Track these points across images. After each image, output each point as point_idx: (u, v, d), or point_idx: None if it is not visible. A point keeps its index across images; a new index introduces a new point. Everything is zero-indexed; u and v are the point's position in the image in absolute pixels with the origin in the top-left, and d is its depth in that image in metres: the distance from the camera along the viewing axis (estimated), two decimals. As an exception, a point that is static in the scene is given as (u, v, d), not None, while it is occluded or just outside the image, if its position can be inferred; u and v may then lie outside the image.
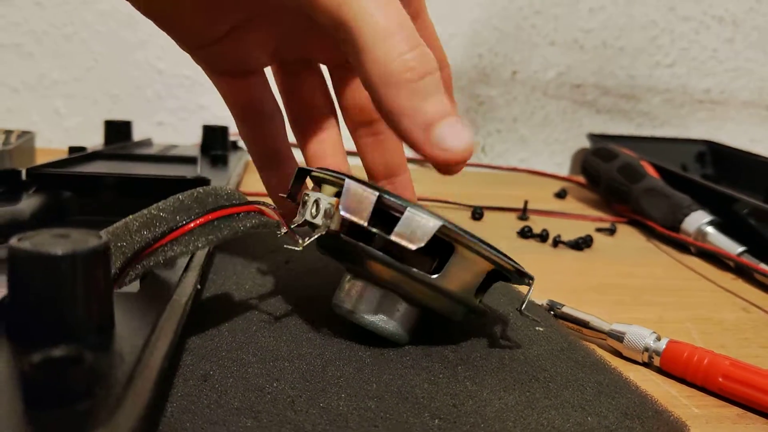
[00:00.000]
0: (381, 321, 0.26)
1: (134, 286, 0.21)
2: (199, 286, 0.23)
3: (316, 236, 0.25)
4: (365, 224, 0.23)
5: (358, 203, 0.23)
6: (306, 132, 0.33)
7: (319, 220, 0.25)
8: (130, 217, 0.22)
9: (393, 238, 0.23)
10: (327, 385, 0.23)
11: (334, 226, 0.24)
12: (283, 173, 0.32)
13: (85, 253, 0.16)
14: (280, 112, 0.33)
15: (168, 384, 0.22)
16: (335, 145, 0.33)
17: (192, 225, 0.22)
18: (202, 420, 0.20)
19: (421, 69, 0.22)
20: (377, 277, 0.25)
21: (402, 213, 0.23)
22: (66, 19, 0.66)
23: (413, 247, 0.23)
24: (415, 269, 0.24)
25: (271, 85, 0.33)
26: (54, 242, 0.16)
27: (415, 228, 0.23)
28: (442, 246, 0.25)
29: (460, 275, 0.25)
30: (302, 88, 0.33)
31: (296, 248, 0.25)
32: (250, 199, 0.25)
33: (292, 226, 0.26)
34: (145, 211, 0.22)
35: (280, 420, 0.21)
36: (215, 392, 0.22)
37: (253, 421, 0.20)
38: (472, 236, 0.24)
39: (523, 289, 0.34)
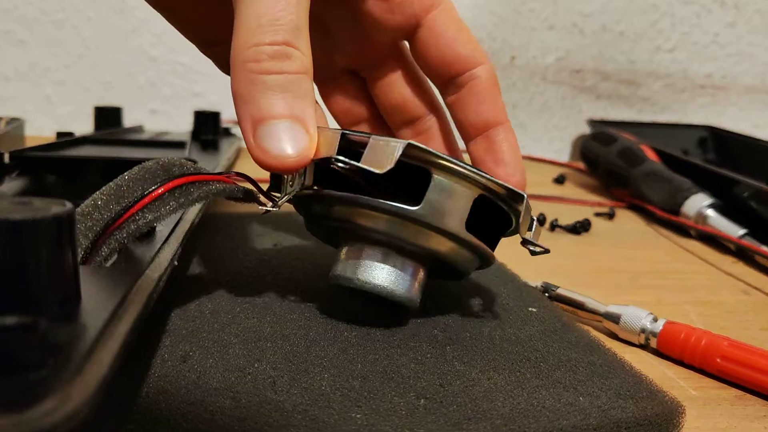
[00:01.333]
0: (386, 281, 0.25)
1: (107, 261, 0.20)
2: (176, 263, 0.22)
3: (292, 193, 0.24)
4: (333, 156, 0.23)
5: (323, 145, 0.23)
6: None
7: (296, 184, 0.24)
8: (97, 192, 0.21)
9: (361, 165, 0.22)
10: (310, 366, 0.22)
11: (308, 180, 0.24)
12: None
13: (46, 220, 0.15)
14: None
15: (145, 365, 0.21)
16: None
17: (161, 190, 0.21)
18: (179, 401, 0.20)
19: (271, 65, 0.21)
20: (366, 229, 0.24)
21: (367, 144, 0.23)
22: (57, 5, 0.65)
23: (381, 171, 0.22)
24: (391, 203, 0.23)
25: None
26: (14, 209, 0.16)
27: (381, 152, 0.22)
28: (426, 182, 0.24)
29: (443, 204, 0.23)
30: (341, 97, 0.31)
31: (273, 208, 0.25)
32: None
33: (279, 203, 0.25)
34: (111, 183, 0.21)
35: (260, 400, 0.20)
36: (194, 373, 0.21)
37: (231, 402, 0.20)
38: (448, 158, 0.23)
39: (517, 265, 0.33)
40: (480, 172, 0.24)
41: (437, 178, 0.23)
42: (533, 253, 0.26)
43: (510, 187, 0.24)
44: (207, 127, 0.53)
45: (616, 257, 0.42)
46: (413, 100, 0.30)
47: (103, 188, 0.21)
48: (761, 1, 0.78)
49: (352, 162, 0.23)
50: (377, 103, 0.31)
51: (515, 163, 0.28)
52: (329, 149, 0.23)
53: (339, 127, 0.24)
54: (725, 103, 0.81)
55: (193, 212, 0.28)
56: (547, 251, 0.26)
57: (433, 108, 0.30)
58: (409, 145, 0.22)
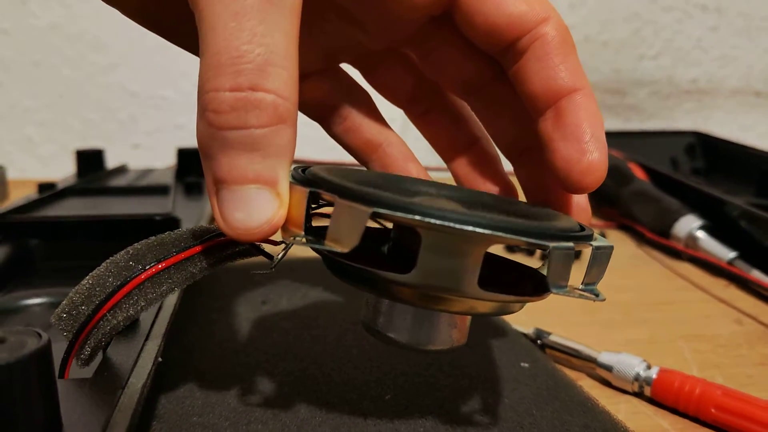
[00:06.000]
0: (419, 339, 0.22)
1: (89, 369, 0.20)
2: (160, 359, 0.22)
3: (283, 254, 0.22)
4: (301, 233, 0.19)
5: (295, 208, 0.19)
6: (432, 124, 0.28)
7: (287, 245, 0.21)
8: (74, 290, 0.20)
9: (327, 245, 0.18)
10: (301, 451, 0.22)
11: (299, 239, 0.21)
12: (384, 155, 0.27)
13: (23, 359, 0.15)
14: (357, 99, 0.27)
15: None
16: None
17: (126, 289, 0.20)
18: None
19: (232, 117, 0.18)
20: (381, 291, 0.21)
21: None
22: (33, 46, 0.64)
23: (344, 249, 0.18)
24: (377, 270, 0.20)
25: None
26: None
27: (345, 221, 0.18)
28: None
29: (441, 264, 0.19)
30: (388, 79, 0.27)
31: (266, 271, 0.22)
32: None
33: (272, 266, 0.22)
34: (84, 281, 0.20)
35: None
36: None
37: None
38: (434, 212, 0.18)
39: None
40: (483, 225, 0.18)
41: (428, 237, 0.19)
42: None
43: (526, 239, 0.18)
44: (191, 167, 0.52)
45: (608, 288, 0.41)
46: (473, 70, 0.25)
47: (78, 285, 0.21)
48: (743, 3, 0.78)
49: (316, 246, 0.19)
50: (433, 77, 0.27)
51: (593, 138, 0.21)
52: (300, 214, 0.19)
53: (315, 176, 0.20)
54: (712, 107, 0.81)
55: (174, 297, 0.28)
56: (601, 299, 0.21)
57: (502, 73, 0.25)
58: (375, 213, 0.18)
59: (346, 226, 0.18)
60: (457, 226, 0.18)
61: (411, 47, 0.26)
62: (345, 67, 0.28)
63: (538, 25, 0.22)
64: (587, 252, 0.20)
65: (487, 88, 0.25)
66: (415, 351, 0.22)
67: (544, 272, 0.20)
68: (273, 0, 0.18)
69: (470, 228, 0.18)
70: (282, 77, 0.18)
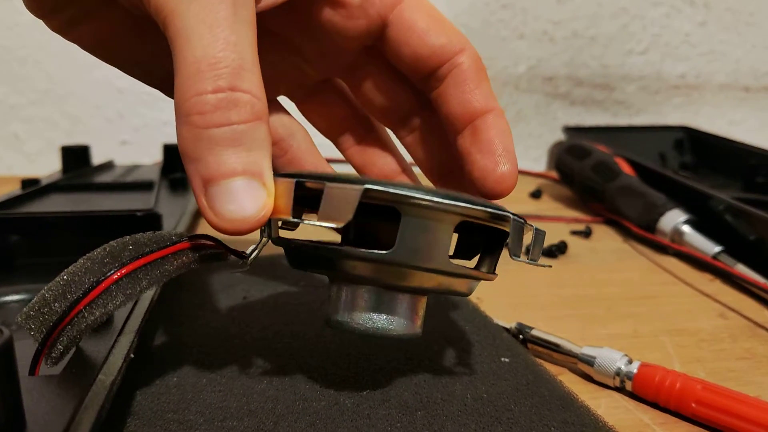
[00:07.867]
0: (381, 324, 0.23)
1: (60, 365, 0.20)
2: (132, 355, 0.22)
3: (258, 250, 0.23)
4: (290, 218, 0.21)
5: (281, 198, 0.21)
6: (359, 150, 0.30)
7: (261, 240, 0.23)
8: (46, 287, 0.20)
9: (319, 223, 0.20)
10: (277, 447, 0.22)
11: (274, 233, 0.23)
12: None
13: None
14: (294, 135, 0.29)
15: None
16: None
17: (104, 285, 0.20)
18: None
19: (216, 116, 0.19)
20: (349, 274, 0.23)
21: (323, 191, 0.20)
22: (19, 42, 0.64)
23: (340, 225, 0.20)
24: (359, 249, 0.22)
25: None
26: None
27: (337, 201, 0.20)
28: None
29: (419, 241, 0.21)
30: (323, 110, 0.30)
31: (243, 269, 0.24)
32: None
33: (249, 262, 0.24)
34: (58, 278, 0.20)
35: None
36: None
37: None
38: (413, 194, 0.20)
39: (493, 298, 0.32)
40: (455, 199, 0.21)
41: (407, 215, 0.21)
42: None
43: (492, 210, 0.22)
44: (177, 163, 0.52)
45: (592, 282, 0.42)
46: (401, 98, 0.28)
47: (51, 283, 0.21)
48: (731, -2, 0.78)
49: (309, 222, 0.21)
50: (364, 107, 0.29)
51: (505, 151, 0.25)
52: (286, 202, 0.21)
53: (293, 172, 0.22)
54: (700, 102, 0.81)
55: (150, 292, 0.27)
56: (547, 266, 0.25)
57: (426, 102, 0.28)
58: (366, 190, 0.20)
59: (340, 205, 0.20)
60: (437, 199, 0.21)
61: (346, 76, 0.29)
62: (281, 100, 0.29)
63: (455, 56, 0.25)
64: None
65: (414, 116, 0.28)
66: (377, 338, 0.24)
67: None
68: (237, 14, 0.20)
69: (448, 201, 0.21)
70: (253, 80, 0.20)
